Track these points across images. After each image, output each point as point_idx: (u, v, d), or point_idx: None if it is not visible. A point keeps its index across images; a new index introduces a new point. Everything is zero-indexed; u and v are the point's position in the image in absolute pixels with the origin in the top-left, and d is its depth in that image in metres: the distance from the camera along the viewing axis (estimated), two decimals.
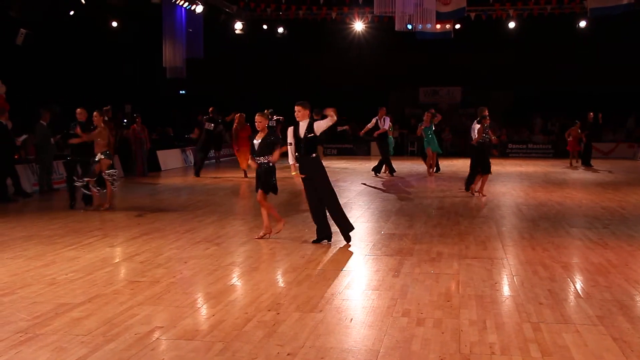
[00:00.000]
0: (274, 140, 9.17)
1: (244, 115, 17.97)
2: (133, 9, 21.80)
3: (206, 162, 24.46)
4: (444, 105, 31.72)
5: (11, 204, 13.74)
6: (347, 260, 8.17)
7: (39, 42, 19.79)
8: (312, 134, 8.90)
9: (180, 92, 32.21)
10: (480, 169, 14.37)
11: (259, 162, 9.13)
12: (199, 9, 22.04)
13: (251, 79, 31.19)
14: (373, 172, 19.34)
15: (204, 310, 6.06)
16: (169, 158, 23.11)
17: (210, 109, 19.77)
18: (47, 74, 24.09)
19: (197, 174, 19.02)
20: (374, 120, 18.77)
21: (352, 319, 5.75)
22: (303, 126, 8.96)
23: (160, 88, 28.80)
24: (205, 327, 5.57)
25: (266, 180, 9.11)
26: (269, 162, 9.09)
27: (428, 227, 10.50)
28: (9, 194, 14.20)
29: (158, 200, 14.08)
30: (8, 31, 18.63)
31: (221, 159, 25.60)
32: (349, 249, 8.82)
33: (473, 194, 14.46)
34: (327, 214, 9.12)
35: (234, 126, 18.06)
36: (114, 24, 24.03)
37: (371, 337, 5.28)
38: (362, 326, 5.56)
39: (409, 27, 20.87)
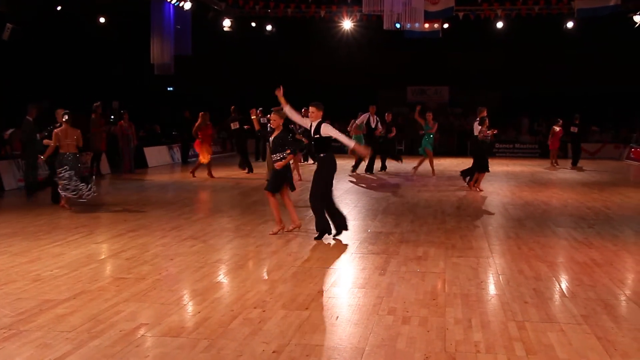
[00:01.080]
0: (286, 142, 9.41)
1: (209, 114, 17.87)
2: (121, 5, 21.69)
3: (193, 159, 24.43)
4: (432, 105, 31.74)
5: None
6: (334, 258, 8.18)
7: (25, 37, 19.65)
8: (319, 135, 9.14)
9: (168, 88, 32.08)
10: (479, 167, 15.08)
11: (273, 159, 9.44)
12: (188, 5, 21.97)
13: (239, 76, 31.12)
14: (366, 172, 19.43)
15: (189, 308, 6.04)
16: (156, 155, 23.02)
17: (232, 107, 20.42)
18: (34, 69, 23.93)
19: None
20: (363, 117, 18.86)
21: (337, 317, 5.76)
22: (314, 126, 9.22)
23: (147, 85, 28.67)
24: (191, 324, 5.55)
25: (277, 178, 9.40)
26: (283, 157, 9.34)
27: (415, 225, 10.52)
28: None
29: (145, 197, 14.02)
30: None
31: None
32: (336, 246, 8.82)
33: (471, 189, 15.17)
34: (329, 209, 9.35)
35: (197, 123, 17.78)
36: (102, 19, 23.91)
37: (357, 335, 5.29)
38: (347, 324, 5.56)
39: (398, 25, 20.91)
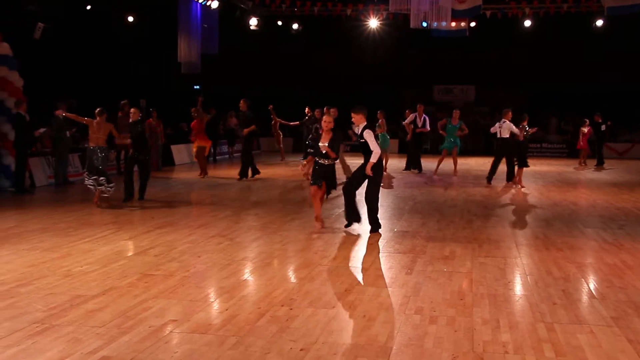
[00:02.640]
0: (339, 144, 9.68)
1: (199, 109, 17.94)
2: (149, 3, 21.88)
3: (219, 157, 24.63)
4: (459, 104, 31.58)
5: (27, 195, 13.87)
6: (360, 257, 8.19)
7: (56, 36, 19.94)
8: (363, 140, 9.29)
9: (195, 87, 32.28)
10: (519, 163, 15.64)
11: (325, 163, 9.50)
12: (215, 4, 22.07)
13: (265, 75, 31.20)
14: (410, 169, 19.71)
15: (217, 305, 6.09)
16: (182, 153, 23.19)
17: (270, 106, 21.27)
18: (63, 67, 24.23)
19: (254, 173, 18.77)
20: (411, 116, 19.03)
21: (364, 316, 5.76)
22: (358, 131, 9.48)
23: (174, 83, 28.90)
24: (219, 321, 5.59)
25: (334, 180, 9.69)
26: (334, 162, 9.55)
27: (441, 225, 10.48)
28: (25, 186, 14.35)
29: (172, 195, 14.14)
30: (26, 25, 18.78)
31: (235, 154, 25.64)
32: (362, 245, 8.83)
33: (515, 186, 15.64)
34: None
35: (204, 119, 17.84)
36: (130, 18, 24.13)
37: (384, 334, 5.29)
38: (375, 323, 5.56)
39: (424, 24, 20.81)
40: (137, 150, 12.58)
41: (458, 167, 19.32)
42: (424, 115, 19.35)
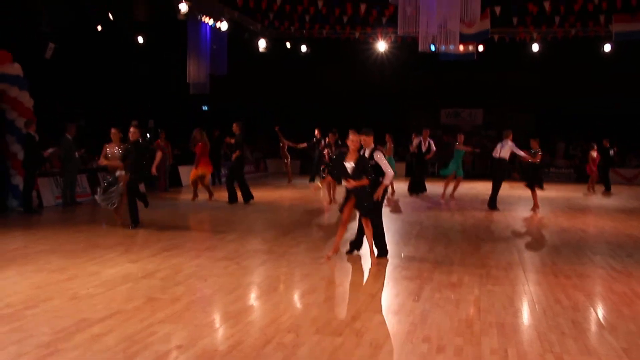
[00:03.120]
0: (367, 167, 9.07)
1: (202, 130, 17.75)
2: (159, 25, 22.05)
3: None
4: (466, 127, 31.64)
5: (35, 215, 13.90)
6: (367, 283, 8.16)
7: (66, 56, 20.10)
8: (373, 161, 9.19)
9: (203, 108, 32.43)
10: (539, 185, 15.88)
11: (354, 186, 9.05)
12: (224, 26, 22.22)
13: (274, 96, 31.34)
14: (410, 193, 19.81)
15: (223, 330, 6.05)
16: (190, 174, 23.18)
17: (277, 127, 22.09)
18: (74, 87, 24.40)
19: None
20: (417, 141, 19.15)
21: (371, 344, 5.71)
22: (367, 153, 9.30)
23: (183, 104, 29.03)
24: (224, 347, 5.56)
25: (369, 203, 9.09)
26: (365, 185, 9.02)
27: (448, 250, 10.44)
28: (33, 206, 14.39)
29: (179, 216, 14.14)
30: (37, 45, 18.94)
31: None
32: (369, 271, 8.79)
33: (536, 210, 15.90)
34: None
35: (203, 142, 17.40)
36: (140, 39, 24.32)
37: None
38: (381, 351, 5.51)
39: (433, 48, 20.88)
40: (136, 172, 12.08)
41: (464, 191, 19.32)
42: (428, 139, 19.44)
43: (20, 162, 14.51)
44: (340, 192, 16.79)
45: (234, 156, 16.39)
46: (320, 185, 11.66)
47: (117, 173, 12.02)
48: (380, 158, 9.26)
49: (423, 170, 20.23)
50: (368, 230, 9.21)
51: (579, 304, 7.19)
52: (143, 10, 20.38)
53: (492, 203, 16.20)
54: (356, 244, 9.84)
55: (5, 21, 19.08)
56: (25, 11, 19.52)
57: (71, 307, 6.62)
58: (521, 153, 15.67)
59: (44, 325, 6.01)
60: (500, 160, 15.86)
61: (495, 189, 16.20)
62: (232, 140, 16.68)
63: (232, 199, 16.47)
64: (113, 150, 12.23)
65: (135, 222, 12.02)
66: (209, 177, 18.20)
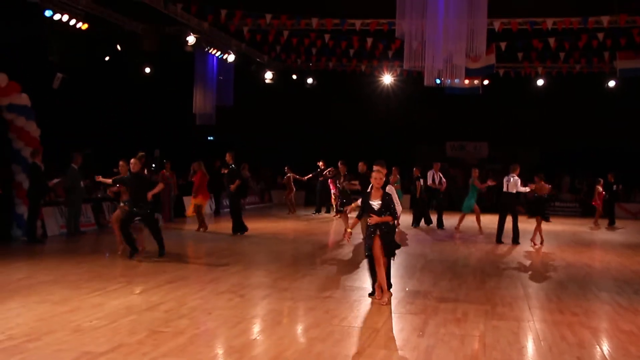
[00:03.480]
0: (392, 203, 8.75)
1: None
2: (166, 55, 22.25)
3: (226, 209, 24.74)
4: (471, 160, 31.65)
5: (39, 245, 13.90)
6: (372, 317, 8.09)
7: (73, 86, 20.25)
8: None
9: (209, 138, 32.57)
10: (543, 218, 16.04)
11: (378, 224, 8.64)
12: (231, 58, 22.44)
13: (279, 127, 31.46)
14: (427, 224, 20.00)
15: None
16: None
17: (286, 168, 23.20)
18: (80, 117, 24.55)
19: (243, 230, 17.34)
20: (429, 174, 19.42)
21: None
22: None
23: (189, 134, 29.17)
24: None
25: (392, 242, 8.80)
26: (390, 223, 8.71)
27: (453, 284, 10.38)
28: (37, 235, 14.41)
29: (183, 247, 14.13)
30: (45, 75, 19.11)
31: (247, 207, 25.69)
32: (374, 305, 8.71)
33: (534, 245, 15.90)
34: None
35: (202, 173, 17.66)
36: (147, 70, 24.53)
37: None
38: None
39: (438, 81, 21.02)
40: (135, 204, 11.99)
41: (469, 224, 19.33)
42: (439, 173, 19.58)
43: (25, 191, 14.57)
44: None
45: (232, 187, 16.41)
46: (337, 216, 11.59)
47: (121, 204, 12.07)
48: (393, 194, 9.03)
49: (439, 203, 20.22)
50: (380, 268, 8.77)
51: (585, 341, 7.12)
52: (151, 41, 20.56)
53: (499, 237, 16.20)
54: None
55: (13, 51, 19.29)
56: (33, 41, 19.74)
57: (74, 340, 6.58)
58: (526, 189, 15.85)
59: (47, 358, 5.98)
60: (509, 194, 15.88)
61: (502, 223, 16.20)
62: (226, 171, 16.76)
63: (237, 229, 16.49)
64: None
65: (161, 248, 12.32)
66: (205, 208, 18.27)
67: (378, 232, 8.63)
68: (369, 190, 8.88)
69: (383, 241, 8.63)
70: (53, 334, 6.77)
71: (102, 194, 17.72)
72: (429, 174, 19.80)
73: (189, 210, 18.59)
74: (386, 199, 8.68)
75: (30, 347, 6.30)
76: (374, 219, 8.59)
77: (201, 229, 17.31)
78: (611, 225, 22.28)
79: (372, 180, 8.83)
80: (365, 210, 8.76)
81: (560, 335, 7.36)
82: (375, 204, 8.66)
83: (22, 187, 14.66)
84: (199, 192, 17.43)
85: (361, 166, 14.58)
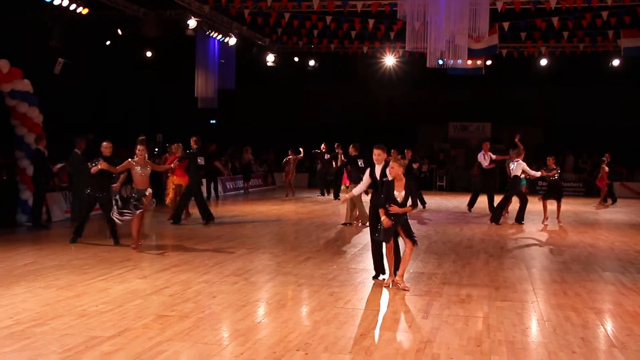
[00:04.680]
0: (413, 193, 8.73)
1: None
2: (167, 39, 22.20)
3: (234, 192, 24.75)
4: (474, 141, 31.55)
5: (44, 230, 13.95)
6: (376, 299, 8.13)
7: (75, 70, 20.23)
8: (387, 178, 8.89)
9: (211, 121, 32.55)
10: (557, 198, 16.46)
11: (400, 213, 8.60)
12: (232, 41, 22.36)
13: (281, 110, 31.42)
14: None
15: (232, 348, 6.04)
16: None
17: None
18: (82, 102, 24.55)
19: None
20: (481, 156, 18.53)
21: None
22: (379, 169, 9.18)
23: (191, 118, 29.15)
24: None
25: (410, 231, 8.77)
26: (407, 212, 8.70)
27: (457, 266, 10.40)
28: (42, 221, 14.45)
29: (187, 231, 14.15)
30: (46, 60, 19.09)
31: (250, 190, 25.73)
32: (378, 287, 8.75)
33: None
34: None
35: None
36: (149, 54, 24.47)
37: None
38: None
39: (440, 62, 20.92)
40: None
41: (474, 205, 19.38)
42: (489, 153, 18.58)
43: (29, 177, 14.59)
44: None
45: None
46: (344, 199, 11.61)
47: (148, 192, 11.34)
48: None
49: (489, 184, 19.01)
50: (389, 256, 8.85)
51: (589, 322, 7.14)
52: (152, 26, 20.50)
53: (496, 216, 16.26)
54: (382, 268, 9.32)
55: (15, 37, 19.26)
56: (35, 27, 19.70)
57: (80, 325, 6.62)
58: (536, 174, 16.12)
59: (53, 343, 6.02)
60: (515, 177, 15.94)
61: (504, 204, 16.28)
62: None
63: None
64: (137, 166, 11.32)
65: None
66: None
67: (400, 223, 8.60)
68: (390, 179, 8.76)
69: (404, 230, 8.68)
70: (59, 319, 6.81)
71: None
72: (480, 156, 18.58)
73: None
74: (408, 191, 8.60)
75: (37, 332, 6.34)
76: (394, 209, 8.52)
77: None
78: (614, 203, 22.39)
79: (389, 170, 8.75)
80: (387, 200, 8.63)
81: (565, 316, 7.39)
82: (399, 195, 8.56)
83: (26, 173, 14.68)
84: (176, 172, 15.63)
85: (351, 149, 14.69)
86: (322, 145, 23.32)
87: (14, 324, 6.60)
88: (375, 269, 9.32)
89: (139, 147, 11.39)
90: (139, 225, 11.37)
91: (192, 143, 15.47)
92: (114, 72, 25.41)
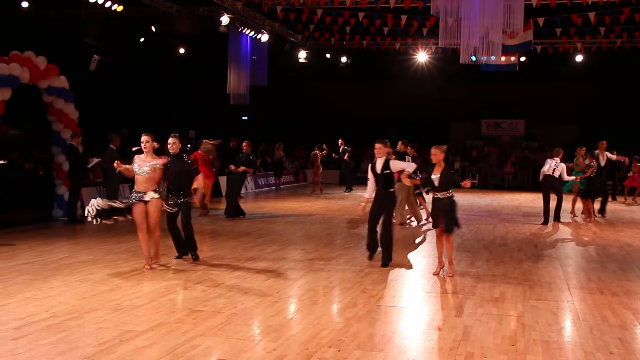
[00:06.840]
0: (454, 174, 9.39)
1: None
2: (200, 36, 22.35)
3: (266, 188, 24.84)
4: (507, 138, 31.27)
5: (79, 225, 14.14)
6: (409, 297, 8.09)
7: (109, 67, 20.46)
8: (388, 171, 9.58)
9: (243, 118, 32.69)
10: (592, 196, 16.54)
11: (441, 197, 9.10)
12: (265, 37, 22.41)
13: (313, 107, 31.45)
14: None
15: (264, 344, 6.05)
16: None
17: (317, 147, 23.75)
18: (117, 98, 24.84)
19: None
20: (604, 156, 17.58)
21: None
22: (380, 163, 9.64)
23: (223, 114, 29.32)
24: None
25: (453, 216, 9.14)
26: (451, 195, 9.09)
27: (490, 265, 10.29)
28: (77, 216, 14.65)
29: (219, 227, 14.23)
30: (82, 57, 19.34)
31: (281, 186, 25.79)
32: (410, 284, 8.71)
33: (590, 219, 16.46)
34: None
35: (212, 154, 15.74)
36: (182, 50, 24.64)
37: None
38: None
39: (474, 59, 20.72)
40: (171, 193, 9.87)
41: (506, 203, 19.13)
42: (605, 152, 17.62)
43: (64, 172, 14.82)
44: None
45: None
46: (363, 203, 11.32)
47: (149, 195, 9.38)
48: (397, 163, 9.80)
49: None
50: (449, 245, 9.31)
51: (627, 323, 7.01)
52: (185, 22, 20.66)
53: (546, 218, 15.77)
54: (374, 247, 10.10)
55: (51, 34, 19.55)
56: (70, 24, 19.97)
57: (115, 319, 6.69)
58: (567, 178, 16.04)
59: (88, 336, 6.09)
60: (552, 176, 15.56)
61: (546, 203, 15.83)
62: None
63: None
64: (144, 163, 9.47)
65: (194, 248, 9.98)
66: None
67: (443, 210, 9.07)
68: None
69: (443, 216, 9.07)
70: (94, 313, 6.90)
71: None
72: (602, 156, 17.46)
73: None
74: (446, 173, 9.02)
75: (72, 325, 6.42)
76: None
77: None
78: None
79: (432, 157, 9.14)
80: (426, 185, 9.24)
81: (601, 315, 7.26)
82: (435, 177, 9.03)
83: (62, 169, 14.91)
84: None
85: (400, 145, 14.67)
86: (340, 141, 24.01)
87: (50, 317, 6.69)
88: (368, 248, 10.15)
89: (142, 137, 9.54)
90: (147, 239, 9.36)
91: (244, 147, 15.88)
92: (148, 69, 25.65)
